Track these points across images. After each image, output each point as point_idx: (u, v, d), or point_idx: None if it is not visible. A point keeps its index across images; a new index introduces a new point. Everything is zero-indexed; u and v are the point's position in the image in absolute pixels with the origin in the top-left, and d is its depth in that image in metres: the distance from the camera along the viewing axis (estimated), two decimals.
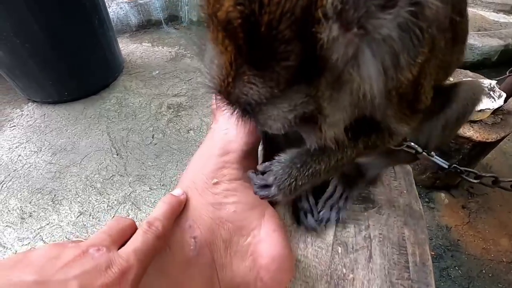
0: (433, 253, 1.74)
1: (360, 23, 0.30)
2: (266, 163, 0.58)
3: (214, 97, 0.63)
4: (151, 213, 0.51)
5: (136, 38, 3.39)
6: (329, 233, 0.72)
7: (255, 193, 0.58)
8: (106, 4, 2.72)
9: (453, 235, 1.81)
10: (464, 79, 1.86)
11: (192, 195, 0.59)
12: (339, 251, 0.70)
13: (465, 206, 1.97)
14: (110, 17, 2.71)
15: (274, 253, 0.56)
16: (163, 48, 3.26)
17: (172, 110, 2.54)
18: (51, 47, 2.23)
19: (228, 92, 0.38)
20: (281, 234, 0.58)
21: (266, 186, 0.57)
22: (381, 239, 0.71)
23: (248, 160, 0.63)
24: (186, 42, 3.31)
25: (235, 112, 0.42)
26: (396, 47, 0.35)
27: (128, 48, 3.23)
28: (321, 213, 0.76)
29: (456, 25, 0.49)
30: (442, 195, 2.00)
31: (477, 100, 0.64)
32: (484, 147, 1.70)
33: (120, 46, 2.98)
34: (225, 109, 0.43)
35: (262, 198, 0.57)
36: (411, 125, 0.52)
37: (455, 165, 0.70)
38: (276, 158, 0.58)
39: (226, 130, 0.65)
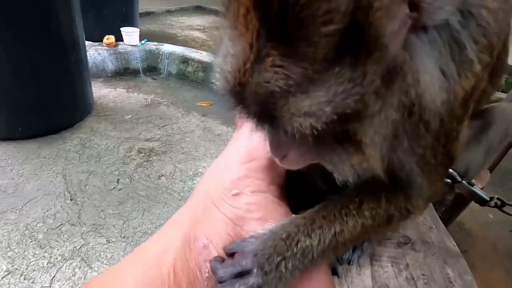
0: None
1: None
2: (236, 241, 0.44)
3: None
4: None
5: (110, 83, 3.30)
6: (365, 274, 0.58)
7: None
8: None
9: None
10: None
11: (206, 207, 0.45)
12: None
13: None
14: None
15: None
16: (138, 94, 3.18)
17: (143, 154, 2.33)
18: (13, 73, 2.03)
19: (244, 86, 0.31)
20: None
21: (242, 274, 0.42)
22: (425, 281, 0.58)
23: (274, 172, 0.51)
24: (164, 91, 3.29)
25: (252, 116, 0.35)
26: (457, 36, 0.30)
27: (101, 91, 3.10)
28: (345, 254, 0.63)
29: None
30: None
31: (510, 121, 0.61)
32: (464, 200, 1.72)
33: (93, 89, 2.85)
34: (242, 115, 0.36)
35: None
36: (438, 185, 0.44)
37: (498, 197, 0.63)
38: (251, 234, 0.45)
39: (251, 136, 0.54)
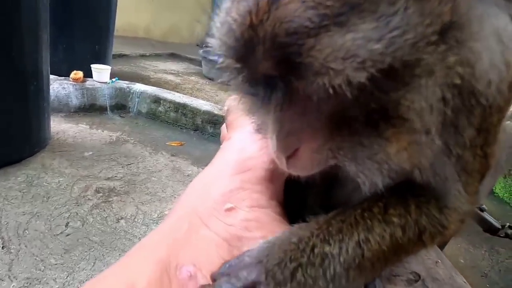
0: None
1: None
2: (228, 261, 0.35)
3: (229, 97, 0.45)
4: None
5: (72, 118, 3.08)
6: None
7: None
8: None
9: None
10: None
11: (191, 226, 0.37)
12: None
13: None
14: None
15: None
16: (102, 131, 2.97)
17: (101, 194, 2.08)
18: None
19: (257, 30, 0.25)
20: None
21: None
22: None
23: (274, 185, 0.42)
24: (131, 130, 3.12)
25: (262, 80, 0.29)
26: None
27: (60, 126, 2.86)
28: None
29: None
30: None
31: None
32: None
33: (51, 124, 2.62)
34: (248, 81, 0.30)
35: None
36: (474, 200, 0.38)
37: (510, 225, 0.58)
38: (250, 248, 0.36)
39: (243, 146, 0.46)
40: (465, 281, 0.62)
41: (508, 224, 0.60)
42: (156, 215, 2.01)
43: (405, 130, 0.28)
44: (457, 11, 0.25)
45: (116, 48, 4.76)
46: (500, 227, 0.59)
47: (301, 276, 0.32)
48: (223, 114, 0.56)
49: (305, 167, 0.34)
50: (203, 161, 2.77)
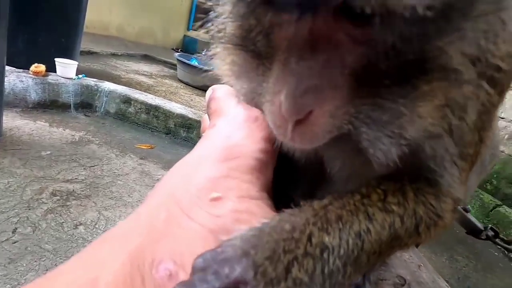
0: None
1: None
2: (207, 253, 0.27)
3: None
4: None
5: (29, 115, 2.81)
6: None
7: None
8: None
9: None
10: None
11: (170, 216, 0.31)
12: None
13: None
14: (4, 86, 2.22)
15: None
16: (64, 130, 2.74)
17: (58, 198, 1.88)
18: None
19: None
20: None
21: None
22: None
23: (265, 176, 0.38)
24: (97, 130, 2.92)
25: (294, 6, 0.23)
26: None
27: (15, 122, 2.59)
28: None
29: None
30: None
31: (498, 142, 0.60)
32: None
33: (4, 119, 2.36)
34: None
35: None
36: (465, 190, 0.37)
37: (492, 227, 0.58)
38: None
39: (229, 133, 0.41)
40: (447, 284, 0.61)
41: (490, 225, 0.60)
42: (120, 221, 1.85)
43: (444, 84, 0.25)
44: None
45: (85, 44, 4.51)
46: (482, 228, 0.59)
47: (297, 272, 0.27)
48: (205, 103, 0.51)
49: (314, 135, 0.29)
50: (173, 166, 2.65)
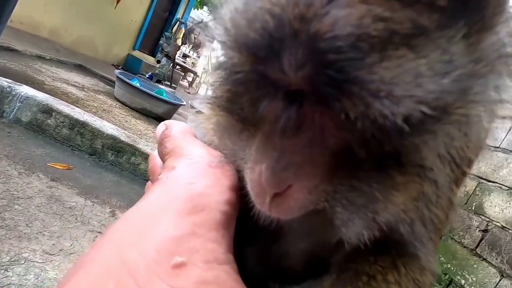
0: None
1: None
2: None
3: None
4: None
5: None
6: None
7: None
8: None
9: None
10: None
11: None
12: None
13: None
14: None
15: None
16: None
17: None
18: None
19: (315, 23, 0.22)
20: None
21: None
22: None
23: (229, 234, 0.34)
24: (0, 140, 2.40)
25: (284, 94, 0.25)
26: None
27: None
28: None
29: None
30: None
31: None
32: None
33: None
34: (260, 90, 0.27)
35: None
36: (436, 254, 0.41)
37: None
38: None
39: (192, 179, 0.36)
40: None
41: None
42: (8, 258, 1.47)
43: (417, 179, 0.27)
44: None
45: (5, 39, 3.90)
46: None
47: None
48: (156, 140, 0.44)
49: (290, 209, 0.30)
50: (93, 193, 2.31)
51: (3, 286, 1.33)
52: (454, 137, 0.27)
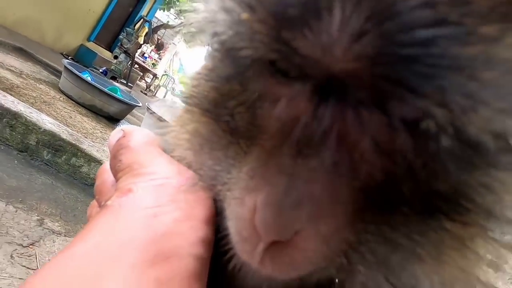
0: None
1: None
2: None
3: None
4: None
5: None
6: None
7: None
8: None
9: None
10: None
11: None
12: None
13: None
14: None
15: None
16: None
17: None
18: None
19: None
20: None
21: None
22: None
23: (203, 286, 0.25)
24: None
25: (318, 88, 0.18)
26: None
27: None
28: None
29: None
30: None
31: None
32: None
33: None
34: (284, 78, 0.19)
35: None
36: None
37: None
38: None
39: (157, 210, 0.27)
40: None
41: None
42: None
43: (484, 234, 0.20)
44: None
45: None
46: None
47: None
48: (109, 149, 0.34)
49: (295, 265, 0.21)
50: (18, 196, 1.97)
51: None
52: None
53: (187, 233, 0.25)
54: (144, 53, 11.74)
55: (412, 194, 0.19)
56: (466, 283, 0.21)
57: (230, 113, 0.24)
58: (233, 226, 0.23)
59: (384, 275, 0.21)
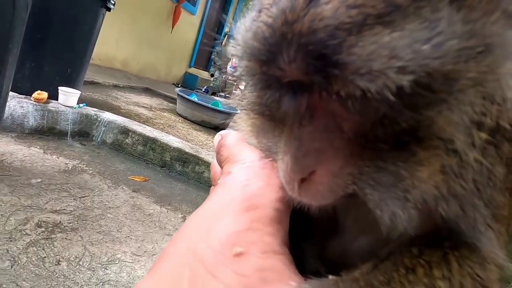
0: None
1: None
2: None
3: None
4: None
5: (24, 140, 2.77)
6: None
7: None
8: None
9: None
10: None
11: (195, 276, 0.31)
12: None
13: None
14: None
15: None
16: (58, 158, 2.69)
17: (43, 229, 1.78)
18: None
19: (293, 28, 0.25)
20: None
21: None
22: None
23: (284, 228, 0.38)
24: (91, 159, 2.87)
25: (291, 81, 0.27)
26: None
27: (8, 147, 2.54)
28: None
29: None
30: None
31: None
32: None
33: None
34: (270, 88, 0.30)
35: None
36: (504, 248, 0.35)
37: None
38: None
39: (247, 181, 0.41)
40: None
41: None
42: (106, 258, 1.74)
43: (439, 152, 0.27)
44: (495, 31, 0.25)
45: (89, 75, 4.61)
46: None
47: None
48: (215, 149, 0.51)
49: (319, 193, 0.32)
50: (167, 200, 2.58)
51: (104, 282, 1.59)
52: (473, 103, 0.26)
53: (268, 194, 0.39)
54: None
55: (386, 135, 0.27)
56: (437, 186, 0.28)
57: (269, 109, 0.35)
58: (281, 175, 0.35)
59: (384, 192, 0.28)
